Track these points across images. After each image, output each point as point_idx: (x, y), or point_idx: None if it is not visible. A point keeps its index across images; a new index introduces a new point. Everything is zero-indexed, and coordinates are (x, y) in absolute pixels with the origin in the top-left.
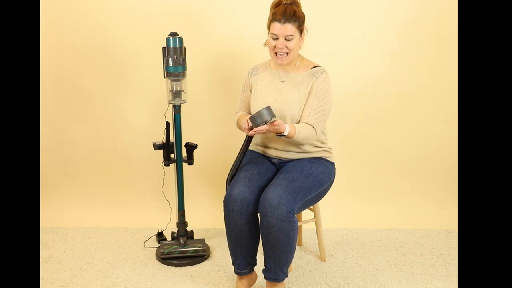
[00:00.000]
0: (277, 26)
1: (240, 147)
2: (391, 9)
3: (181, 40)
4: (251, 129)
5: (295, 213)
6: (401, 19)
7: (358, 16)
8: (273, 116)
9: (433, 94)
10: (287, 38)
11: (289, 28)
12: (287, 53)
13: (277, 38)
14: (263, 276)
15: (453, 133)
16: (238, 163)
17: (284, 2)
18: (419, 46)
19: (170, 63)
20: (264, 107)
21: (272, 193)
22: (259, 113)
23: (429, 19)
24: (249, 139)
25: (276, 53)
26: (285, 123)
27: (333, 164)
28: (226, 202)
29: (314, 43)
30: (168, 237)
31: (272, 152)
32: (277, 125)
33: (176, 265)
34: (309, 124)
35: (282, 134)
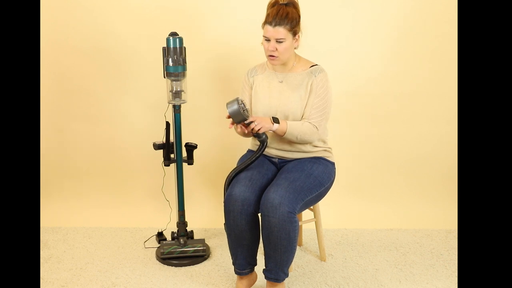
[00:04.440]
0: (268, 29)
1: (256, 151)
2: (392, 7)
3: (181, 40)
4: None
5: (296, 213)
6: (401, 18)
7: (358, 14)
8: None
9: (433, 94)
10: (278, 40)
11: (280, 31)
12: (278, 56)
13: (269, 40)
14: (264, 276)
15: (453, 133)
16: (245, 166)
17: (280, 3)
18: (419, 45)
19: (170, 63)
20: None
21: (273, 193)
22: (238, 111)
23: (430, 17)
24: (262, 147)
25: (269, 55)
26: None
27: (333, 164)
28: (227, 203)
29: (314, 41)
30: (168, 237)
31: (272, 152)
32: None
33: (176, 265)
34: (310, 122)
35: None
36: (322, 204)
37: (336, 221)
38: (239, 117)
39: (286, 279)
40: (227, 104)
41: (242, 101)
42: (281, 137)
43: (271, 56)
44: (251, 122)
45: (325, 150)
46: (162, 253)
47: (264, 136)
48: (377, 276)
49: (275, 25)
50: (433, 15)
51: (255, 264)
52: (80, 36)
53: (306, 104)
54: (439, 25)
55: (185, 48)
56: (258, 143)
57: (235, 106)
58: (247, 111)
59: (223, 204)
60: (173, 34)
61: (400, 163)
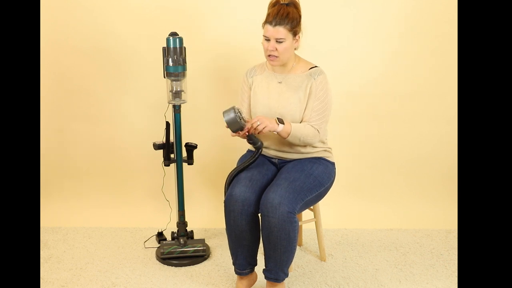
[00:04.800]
0: (268, 29)
1: (249, 158)
2: (392, 7)
3: (181, 40)
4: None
5: (296, 213)
6: (402, 18)
7: (359, 14)
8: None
9: (433, 94)
10: (278, 40)
11: (280, 31)
12: (278, 56)
13: (269, 40)
14: (264, 276)
15: (453, 133)
16: (240, 170)
17: (281, 2)
18: (419, 45)
19: (170, 63)
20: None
21: (273, 193)
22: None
23: (430, 17)
24: (258, 152)
25: (269, 55)
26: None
27: (333, 164)
28: (227, 203)
29: (314, 41)
30: (168, 237)
31: (272, 152)
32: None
33: (176, 265)
34: (311, 125)
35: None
36: (322, 204)
37: (336, 221)
38: (236, 126)
39: (286, 279)
40: (224, 112)
41: (238, 110)
42: (284, 139)
43: (270, 56)
44: (248, 130)
45: (325, 150)
46: (162, 253)
47: (259, 143)
48: (377, 276)
49: (275, 25)
50: (433, 15)
51: (255, 264)
52: (80, 36)
53: (305, 107)
54: (439, 25)
55: (185, 48)
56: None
57: (232, 115)
58: (244, 120)
59: (223, 204)
60: (173, 34)
61: (400, 163)
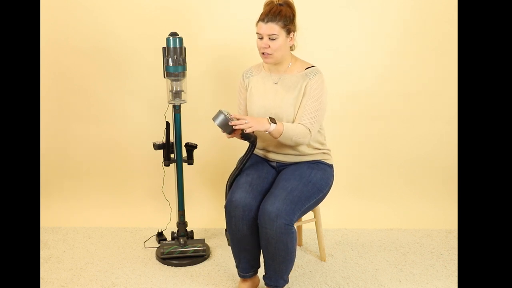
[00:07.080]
0: (261, 26)
1: (243, 154)
2: (392, 7)
3: (181, 40)
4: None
5: (293, 224)
6: (401, 18)
7: (358, 14)
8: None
9: (433, 94)
10: (270, 37)
11: (273, 27)
12: (272, 53)
13: (262, 38)
14: (264, 282)
15: (453, 133)
16: (239, 170)
17: (275, 2)
18: (419, 45)
19: (170, 63)
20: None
21: (270, 205)
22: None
23: (430, 17)
24: (252, 147)
25: (263, 53)
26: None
27: (331, 166)
28: (228, 208)
29: (314, 41)
30: (168, 237)
31: (271, 156)
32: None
33: (176, 265)
34: (303, 125)
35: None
36: (322, 204)
37: (336, 221)
38: (229, 127)
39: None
40: (213, 118)
41: (227, 112)
42: (276, 139)
43: (264, 54)
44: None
45: (323, 153)
46: (162, 253)
47: (253, 138)
48: (377, 276)
49: (267, 21)
50: (433, 15)
51: (259, 267)
52: (80, 36)
53: (299, 106)
54: (439, 25)
55: (185, 48)
56: (257, 148)
57: (222, 117)
58: (235, 119)
59: (224, 209)
60: (173, 34)
61: (400, 163)
